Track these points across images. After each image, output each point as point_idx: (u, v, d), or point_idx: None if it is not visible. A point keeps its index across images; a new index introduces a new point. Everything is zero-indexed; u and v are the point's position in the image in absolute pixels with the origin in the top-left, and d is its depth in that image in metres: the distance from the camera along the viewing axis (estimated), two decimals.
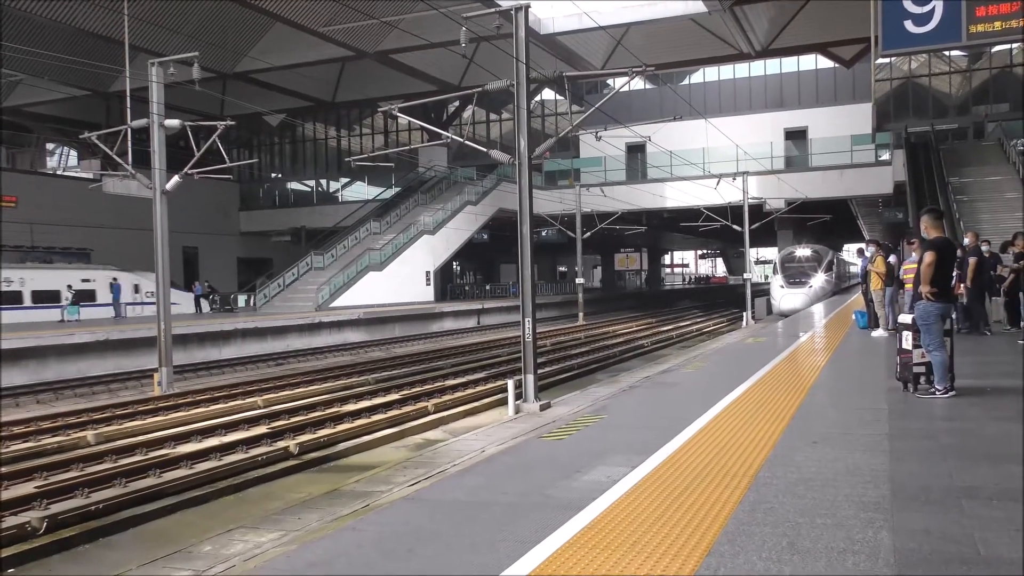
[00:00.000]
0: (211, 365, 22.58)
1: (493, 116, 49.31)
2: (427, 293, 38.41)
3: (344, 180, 53.21)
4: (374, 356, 25.75)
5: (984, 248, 13.81)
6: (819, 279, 33.50)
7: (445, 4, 17.94)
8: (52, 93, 38.08)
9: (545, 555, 3.72)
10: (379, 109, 17.85)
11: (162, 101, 18.32)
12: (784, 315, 29.31)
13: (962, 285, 13.18)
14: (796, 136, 43.36)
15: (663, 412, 7.77)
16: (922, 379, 7.70)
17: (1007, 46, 35.12)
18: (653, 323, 37.42)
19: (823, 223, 42.29)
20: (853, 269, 45.37)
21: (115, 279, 31.88)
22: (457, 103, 46.45)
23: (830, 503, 4.38)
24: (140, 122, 18.78)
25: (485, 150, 16.82)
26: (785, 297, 32.54)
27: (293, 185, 54.79)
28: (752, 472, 5.08)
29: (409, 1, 30.02)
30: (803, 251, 35.57)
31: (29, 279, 30.57)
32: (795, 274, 33.60)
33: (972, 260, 12.99)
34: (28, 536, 8.03)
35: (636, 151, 42.57)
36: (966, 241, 14.13)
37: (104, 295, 31.87)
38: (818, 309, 26.52)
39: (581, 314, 39.45)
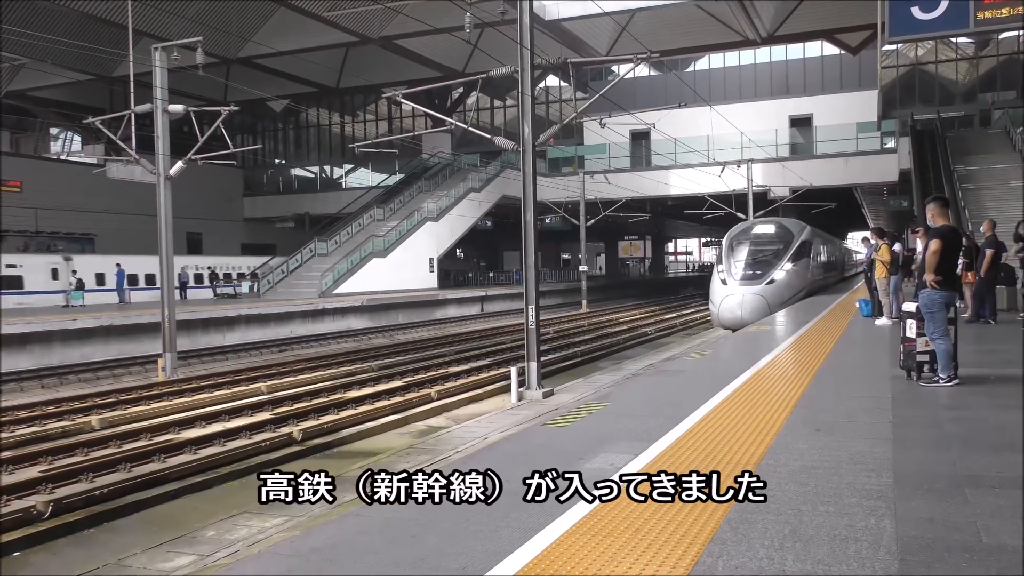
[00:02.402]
0: (215, 351, 22.64)
1: (497, 102, 49.19)
2: (430, 280, 38.39)
3: (348, 166, 53.15)
4: (377, 343, 25.79)
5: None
6: (784, 271, 21.69)
7: None
8: (56, 77, 37.98)
9: (548, 542, 3.72)
10: (383, 95, 17.82)
11: (166, 86, 18.30)
12: (729, 329, 19.80)
13: (969, 274, 13.15)
14: (801, 123, 43.18)
15: (666, 400, 7.77)
16: (926, 367, 7.69)
17: (1015, 32, 34.91)
18: (657, 311, 37.42)
19: (828, 211, 42.10)
20: (858, 257, 45.09)
21: (119, 264, 31.92)
22: (461, 89, 46.31)
23: (833, 491, 4.38)
24: (144, 107, 18.78)
25: (489, 136, 16.80)
26: (727, 300, 20.74)
27: (297, 171, 54.75)
28: (755, 460, 5.08)
29: None
30: (763, 227, 24.20)
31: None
32: (747, 264, 22.02)
33: (988, 252, 12.94)
34: (33, 520, 8.08)
35: (640, 138, 42.41)
36: (982, 229, 14.05)
37: None
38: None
39: (584, 302, 39.46)
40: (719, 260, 23.24)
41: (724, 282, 21.30)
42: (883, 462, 4.94)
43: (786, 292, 21.47)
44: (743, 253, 22.31)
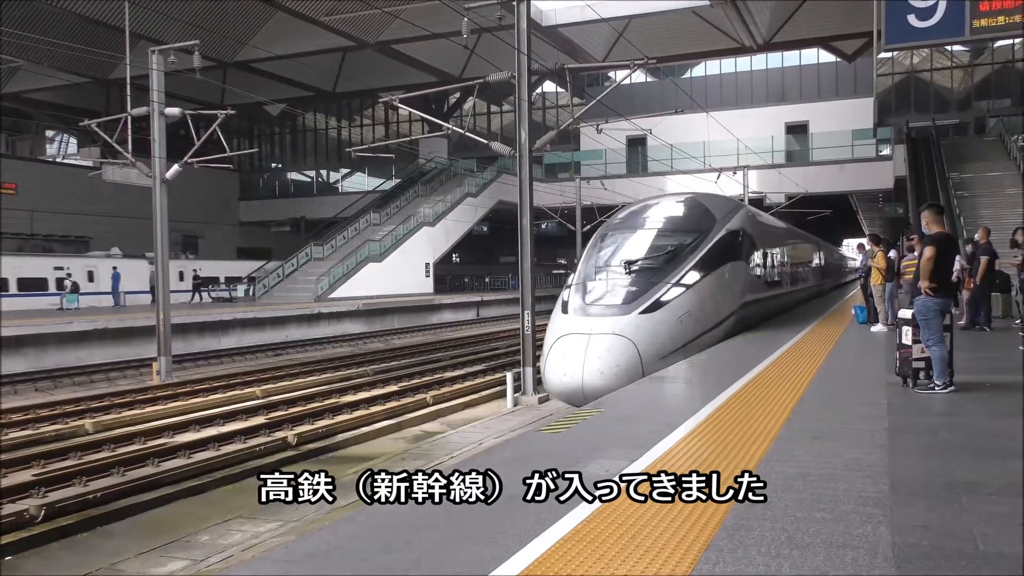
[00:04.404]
0: (210, 355, 22.58)
1: (494, 108, 49.23)
2: (426, 285, 38.38)
3: (344, 171, 53.18)
4: (373, 347, 25.76)
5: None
6: (682, 288, 11.89)
7: None
8: (52, 80, 37.98)
9: (543, 549, 3.71)
10: (380, 100, 17.88)
11: (162, 89, 18.30)
12: (568, 403, 11.03)
13: (971, 281, 13.21)
14: (797, 130, 43.31)
15: (662, 406, 7.76)
16: (921, 374, 7.69)
17: (1009, 41, 35.03)
18: None
19: (823, 218, 42.19)
20: (853, 263, 44.78)
21: (115, 267, 31.84)
22: (458, 94, 46.37)
23: (829, 498, 4.37)
24: (140, 110, 18.77)
25: (486, 142, 16.85)
26: (561, 345, 10.96)
27: (293, 175, 54.74)
28: (752, 466, 5.06)
29: None
30: (663, 208, 14.52)
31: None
32: (614, 273, 12.20)
33: (983, 259, 12.99)
34: (26, 524, 8.04)
35: (637, 144, 42.52)
36: (976, 237, 14.10)
37: None
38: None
39: None
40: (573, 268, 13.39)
41: (566, 309, 11.55)
42: (879, 469, 4.94)
43: (685, 328, 11.49)
44: (614, 253, 12.61)
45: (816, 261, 26.95)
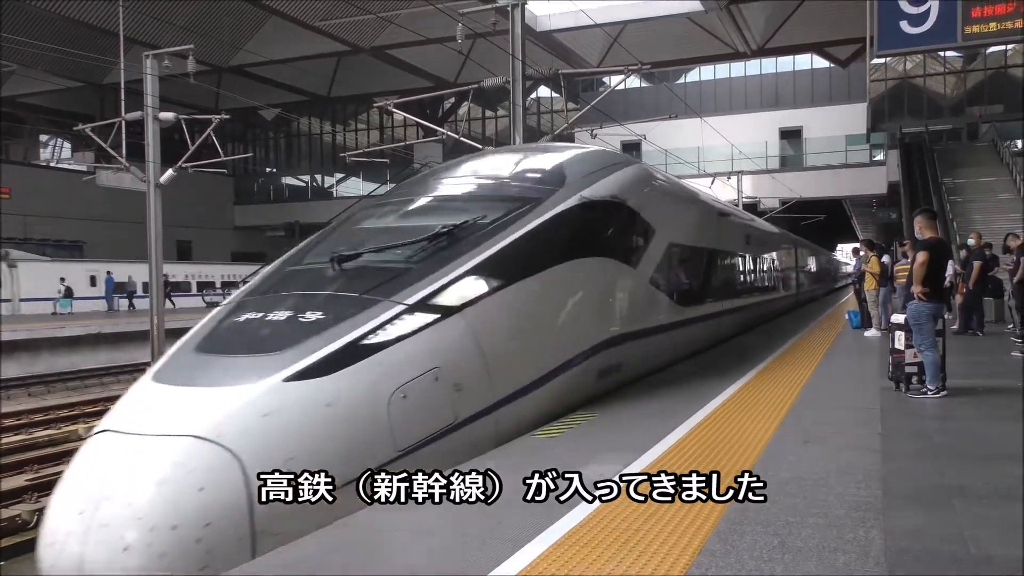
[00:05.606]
0: None
1: (489, 113, 49.28)
2: None
3: (339, 175, 53.15)
4: None
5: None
6: (424, 320, 5.58)
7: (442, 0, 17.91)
8: (46, 84, 37.91)
9: (536, 553, 3.71)
10: (375, 104, 17.90)
11: (157, 94, 18.30)
12: None
13: (964, 286, 13.28)
14: (791, 135, 43.42)
15: (655, 411, 7.75)
16: (914, 379, 7.72)
17: (1002, 47, 35.23)
18: None
19: (817, 223, 42.27)
20: (848, 269, 44.76)
21: (109, 272, 31.77)
22: (453, 99, 46.37)
23: (822, 502, 4.38)
24: (134, 115, 18.75)
25: (480, 147, 16.87)
26: (76, 466, 4.85)
27: (288, 180, 54.69)
28: (745, 471, 5.07)
29: None
30: (489, 160, 9.20)
31: None
32: (289, 300, 5.78)
33: (976, 264, 13.05)
34: (19, 529, 8.03)
35: (631, 149, 42.47)
36: (970, 242, 14.17)
37: None
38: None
39: None
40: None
41: (158, 375, 5.48)
42: (872, 473, 4.95)
43: (415, 409, 5.18)
44: (340, 241, 7.04)
45: (785, 262, 20.24)
